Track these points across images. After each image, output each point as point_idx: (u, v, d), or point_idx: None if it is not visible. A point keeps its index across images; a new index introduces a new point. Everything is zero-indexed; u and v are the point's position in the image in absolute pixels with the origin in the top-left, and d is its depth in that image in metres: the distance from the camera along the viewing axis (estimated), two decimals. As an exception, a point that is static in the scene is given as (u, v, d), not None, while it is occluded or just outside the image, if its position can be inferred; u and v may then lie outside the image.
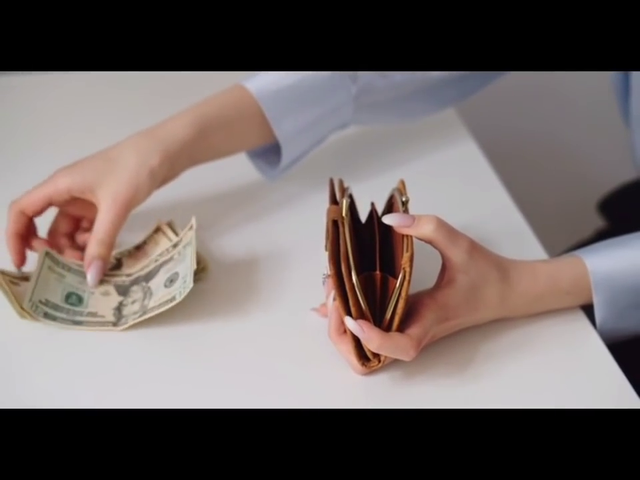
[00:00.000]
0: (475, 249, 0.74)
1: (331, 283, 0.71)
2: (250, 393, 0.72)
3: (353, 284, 0.68)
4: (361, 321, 0.68)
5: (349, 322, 0.68)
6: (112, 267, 0.83)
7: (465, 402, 0.71)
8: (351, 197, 0.78)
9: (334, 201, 0.77)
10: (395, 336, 0.69)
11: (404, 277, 0.69)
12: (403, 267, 0.69)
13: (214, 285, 0.82)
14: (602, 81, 1.01)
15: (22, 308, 0.76)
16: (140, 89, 1.09)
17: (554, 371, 0.74)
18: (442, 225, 0.72)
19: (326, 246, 0.75)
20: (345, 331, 0.71)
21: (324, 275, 0.73)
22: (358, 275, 0.68)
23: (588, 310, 0.78)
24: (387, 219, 0.72)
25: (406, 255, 0.69)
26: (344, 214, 0.73)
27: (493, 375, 0.73)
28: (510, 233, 0.89)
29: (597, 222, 1.20)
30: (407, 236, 0.71)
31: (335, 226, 0.73)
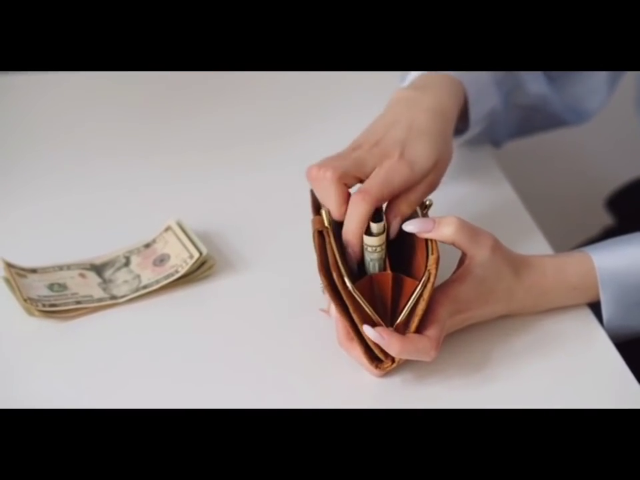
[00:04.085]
0: (498, 246, 0.74)
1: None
2: (258, 393, 0.72)
3: (349, 291, 0.68)
4: (379, 328, 0.68)
5: (368, 330, 0.68)
6: (120, 265, 0.84)
7: (476, 403, 0.71)
8: None
9: (317, 211, 0.75)
10: (414, 339, 0.69)
11: (428, 278, 0.69)
12: (428, 268, 0.69)
13: (222, 283, 0.82)
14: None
15: (25, 300, 0.77)
16: (140, 89, 1.09)
17: (563, 370, 0.74)
18: (462, 226, 0.72)
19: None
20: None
21: (322, 284, 0.72)
22: (353, 281, 0.68)
23: (596, 309, 0.78)
24: (407, 226, 0.72)
25: (432, 258, 0.69)
26: (327, 224, 0.72)
27: (503, 376, 0.73)
28: (516, 229, 0.88)
29: (604, 219, 1.20)
30: (431, 239, 0.71)
31: (320, 236, 0.72)
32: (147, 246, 0.85)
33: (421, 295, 0.68)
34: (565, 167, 1.67)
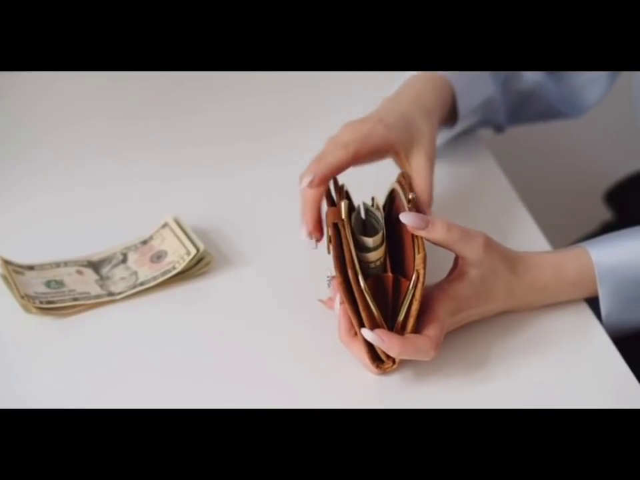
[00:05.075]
0: (490, 244, 0.74)
1: (336, 285, 0.70)
2: (256, 390, 0.72)
3: (361, 289, 0.67)
4: (379, 331, 0.68)
5: (367, 333, 0.68)
6: (117, 262, 0.83)
7: (475, 400, 0.71)
8: (348, 195, 0.77)
9: (332, 202, 0.75)
10: (414, 339, 0.68)
11: (417, 278, 0.68)
12: (416, 268, 0.68)
13: (219, 280, 0.82)
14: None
15: (22, 297, 0.77)
16: (138, 86, 1.09)
17: (561, 367, 0.74)
18: (452, 227, 0.72)
19: (329, 248, 0.74)
20: (355, 333, 0.70)
21: (328, 277, 0.72)
22: (365, 279, 0.68)
23: (594, 305, 0.78)
24: (404, 218, 0.71)
25: (419, 257, 0.69)
26: (343, 217, 0.71)
27: (502, 373, 0.73)
28: (514, 225, 0.88)
29: (603, 214, 1.20)
30: (418, 236, 0.70)
31: (335, 229, 0.71)
32: (144, 242, 0.85)
33: (413, 296, 0.68)
34: (563, 162, 1.67)
